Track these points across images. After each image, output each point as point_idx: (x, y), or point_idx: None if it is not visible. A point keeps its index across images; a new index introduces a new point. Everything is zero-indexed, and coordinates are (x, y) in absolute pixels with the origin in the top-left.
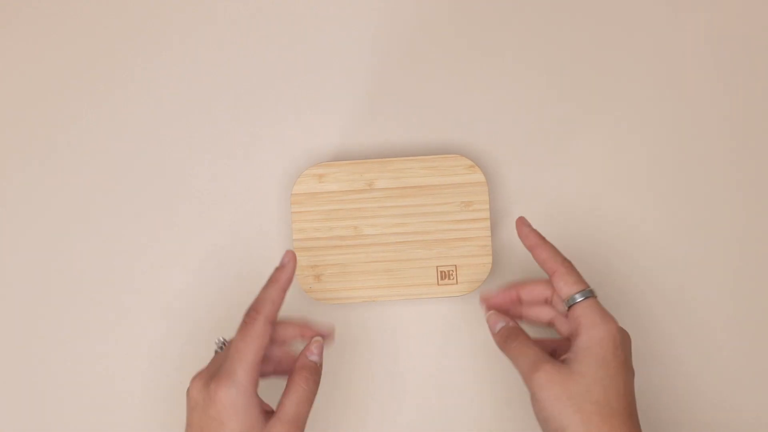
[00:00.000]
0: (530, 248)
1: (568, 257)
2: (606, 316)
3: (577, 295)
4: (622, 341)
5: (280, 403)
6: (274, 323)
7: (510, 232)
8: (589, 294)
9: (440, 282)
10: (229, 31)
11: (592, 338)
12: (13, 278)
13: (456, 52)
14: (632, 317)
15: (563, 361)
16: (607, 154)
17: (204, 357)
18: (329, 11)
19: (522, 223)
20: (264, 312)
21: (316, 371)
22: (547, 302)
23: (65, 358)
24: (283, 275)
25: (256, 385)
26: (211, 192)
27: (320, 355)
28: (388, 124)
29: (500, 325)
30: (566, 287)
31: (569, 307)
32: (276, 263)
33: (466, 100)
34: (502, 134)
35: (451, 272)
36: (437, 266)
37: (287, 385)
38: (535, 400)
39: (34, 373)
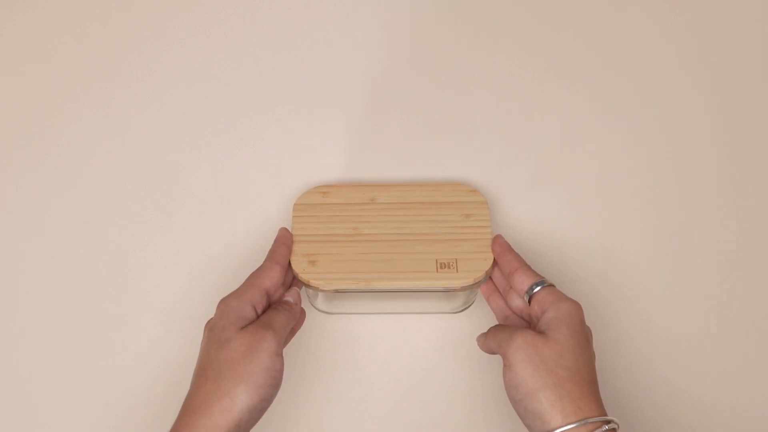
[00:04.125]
0: (498, 255)
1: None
2: (570, 298)
3: (536, 284)
4: (585, 325)
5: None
6: (285, 267)
7: (511, 234)
8: (547, 283)
9: (439, 270)
10: (230, 45)
11: (560, 311)
12: (12, 276)
13: (459, 85)
14: (616, 340)
15: (536, 332)
16: (609, 184)
17: None
18: (335, 38)
19: (498, 236)
20: (273, 257)
21: (289, 305)
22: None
23: (65, 356)
24: (279, 248)
25: (255, 303)
26: (212, 197)
27: (295, 298)
28: (389, 160)
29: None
30: (527, 279)
31: (531, 297)
32: None
33: (468, 135)
34: (502, 171)
35: (451, 263)
36: (437, 259)
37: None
38: (508, 367)
39: (33, 372)
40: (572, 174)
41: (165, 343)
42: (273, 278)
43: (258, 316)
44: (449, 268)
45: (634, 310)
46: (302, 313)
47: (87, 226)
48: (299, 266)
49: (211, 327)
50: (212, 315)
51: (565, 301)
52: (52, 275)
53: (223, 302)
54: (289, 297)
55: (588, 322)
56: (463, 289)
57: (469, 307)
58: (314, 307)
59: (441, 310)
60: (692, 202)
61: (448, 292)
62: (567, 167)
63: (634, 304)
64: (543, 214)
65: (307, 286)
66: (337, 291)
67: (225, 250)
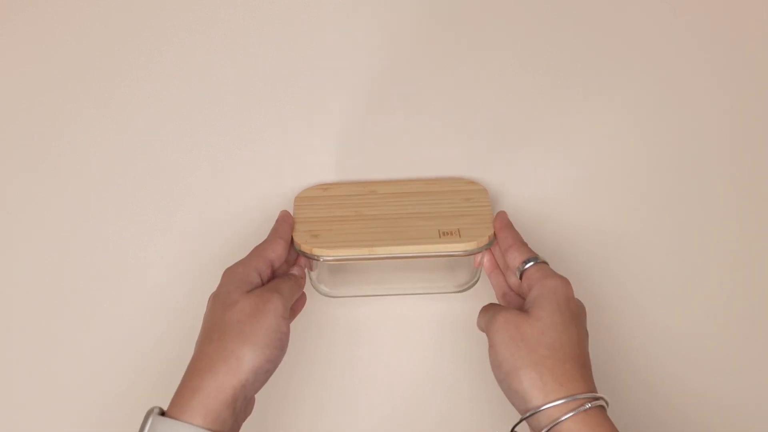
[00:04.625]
0: (498, 230)
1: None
2: (558, 274)
3: (528, 260)
4: (576, 301)
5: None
6: (288, 243)
7: (512, 211)
8: (539, 260)
9: (442, 237)
10: (230, 45)
11: (545, 287)
12: (14, 275)
13: (460, 85)
14: (615, 325)
15: (519, 311)
16: (610, 182)
17: None
18: (335, 38)
19: (501, 212)
20: (276, 233)
21: (296, 277)
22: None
23: (64, 356)
24: (282, 226)
25: (260, 271)
26: (212, 197)
27: (300, 272)
28: (390, 159)
29: None
30: (520, 255)
31: (522, 274)
32: None
33: (469, 135)
34: (503, 171)
35: (453, 232)
36: (439, 229)
37: None
38: (491, 346)
39: (33, 371)
40: (574, 173)
41: (165, 344)
42: (277, 250)
43: (263, 284)
44: (452, 235)
45: (633, 299)
46: (303, 296)
47: (87, 226)
48: (302, 238)
49: (215, 294)
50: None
51: (552, 278)
52: (51, 275)
53: (228, 270)
54: (295, 270)
55: (588, 312)
56: (465, 254)
57: (474, 285)
58: (317, 291)
59: (446, 290)
60: (693, 201)
61: (452, 257)
62: (568, 166)
63: (632, 293)
64: (545, 212)
65: (310, 256)
66: (340, 260)
67: (225, 250)
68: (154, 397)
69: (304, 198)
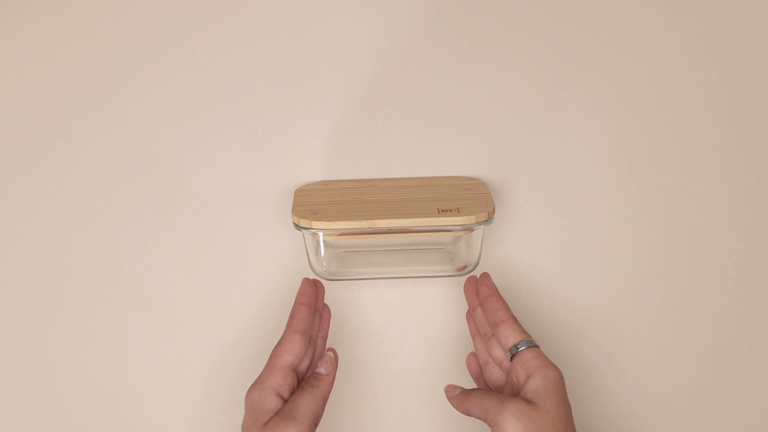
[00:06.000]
0: (486, 297)
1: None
2: (551, 362)
3: (521, 343)
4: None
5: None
6: (307, 333)
7: (512, 210)
8: (532, 343)
9: (441, 212)
10: (230, 45)
11: (548, 378)
12: (13, 275)
13: (461, 85)
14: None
15: (526, 400)
16: (611, 183)
17: (202, 355)
18: (336, 37)
19: (487, 276)
20: (292, 325)
21: (318, 379)
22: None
23: (64, 355)
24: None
25: (279, 388)
26: (212, 197)
27: (328, 367)
28: (390, 159)
29: (459, 390)
30: (514, 334)
31: (514, 355)
32: (273, 265)
33: (470, 135)
34: (504, 172)
35: (452, 209)
36: (438, 207)
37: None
38: None
39: (32, 371)
40: (574, 173)
41: (164, 343)
42: (293, 351)
43: (286, 400)
44: (451, 211)
45: (633, 296)
46: (327, 310)
47: (87, 225)
48: (300, 214)
49: (243, 426)
50: (212, 315)
51: (551, 369)
52: (51, 275)
53: (247, 397)
54: (321, 368)
55: (582, 309)
56: (464, 228)
57: (474, 268)
58: (316, 274)
59: (446, 273)
60: (693, 200)
61: (451, 240)
62: (568, 166)
63: (631, 290)
64: (544, 211)
65: (309, 229)
66: (340, 233)
67: (225, 250)
68: (153, 397)
69: (303, 190)
